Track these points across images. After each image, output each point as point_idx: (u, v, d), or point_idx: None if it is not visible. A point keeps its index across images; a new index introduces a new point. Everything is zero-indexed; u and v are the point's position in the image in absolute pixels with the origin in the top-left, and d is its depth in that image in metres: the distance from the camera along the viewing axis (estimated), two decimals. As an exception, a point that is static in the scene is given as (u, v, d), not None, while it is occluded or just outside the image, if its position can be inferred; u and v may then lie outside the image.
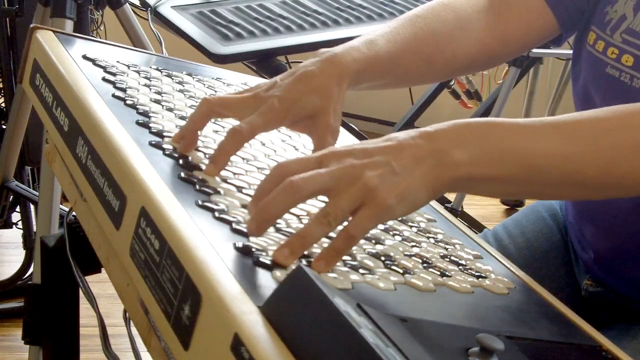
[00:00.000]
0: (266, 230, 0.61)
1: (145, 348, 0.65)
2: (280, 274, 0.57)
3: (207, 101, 0.75)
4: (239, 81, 1.04)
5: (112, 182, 0.67)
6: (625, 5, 0.88)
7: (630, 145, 0.68)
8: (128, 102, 0.80)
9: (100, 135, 0.71)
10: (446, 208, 1.95)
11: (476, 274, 0.73)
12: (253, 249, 0.59)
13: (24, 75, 0.91)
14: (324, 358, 0.45)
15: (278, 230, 0.64)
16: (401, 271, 0.67)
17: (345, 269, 0.63)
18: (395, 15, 1.57)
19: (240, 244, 0.59)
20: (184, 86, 0.93)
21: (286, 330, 0.48)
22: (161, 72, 0.95)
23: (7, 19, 1.90)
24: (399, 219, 0.79)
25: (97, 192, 0.69)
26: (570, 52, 1.00)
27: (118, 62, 0.93)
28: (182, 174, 0.67)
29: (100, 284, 0.94)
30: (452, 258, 0.75)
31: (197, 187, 0.66)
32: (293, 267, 0.58)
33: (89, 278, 0.87)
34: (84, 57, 0.89)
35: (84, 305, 0.90)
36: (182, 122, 0.78)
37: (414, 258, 0.71)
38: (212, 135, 0.80)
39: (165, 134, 0.75)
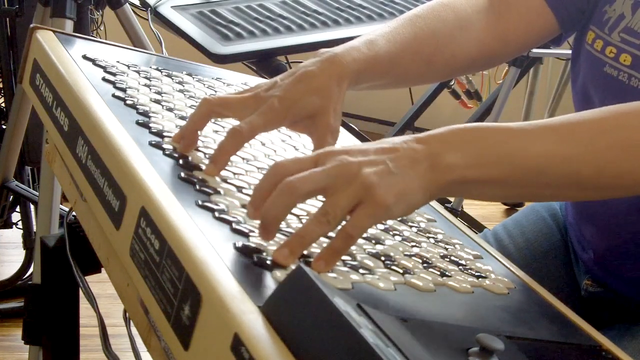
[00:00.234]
0: (275, 233, 0.61)
1: (145, 348, 0.65)
2: (280, 274, 0.57)
3: (207, 101, 0.75)
4: (239, 81, 1.04)
5: (112, 182, 0.67)
6: (624, 5, 0.88)
7: (627, 145, 0.68)
8: (128, 102, 0.80)
9: (100, 135, 0.71)
10: (446, 208, 1.95)
11: (476, 274, 0.73)
12: (253, 249, 0.59)
13: (24, 75, 0.91)
14: (324, 358, 0.45)
15: (279, 230, 0.64)
16: (401, 271, 0.67)
17: (345, 269, 0.63)
18: (395, 15, 1.57)
19: (240, 244, 0.59)
20: (184, 86, 0.93)
21: (286, 330, 0.48)
22: (161, 72, 0.95)
23: (7, 19, 1.90)
24: (399, 219, 0.79)
25: (97, 192, 0.69)
26: (570, 52, 1.00)
27: (118, 62, 0.93)
28: (182, 174, 0.67)
29: (100, 284, 0.94)
30: (452, 258, 0.75)
31: (197, 187, 0.66)
32: (293, 267, 0.58)
33: (89, 278, 0.87)
34: (84, 57, 0.89)
35: (84, 305, 0.90)
36: (182, 122, 0.78)
37: (414, 258, 0.71)
38: (212, 135, 0.80)
39: (165, 134, 0.75)
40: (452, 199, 2.43)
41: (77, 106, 0.77)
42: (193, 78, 0.98)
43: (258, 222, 0.62)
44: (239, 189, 0.70)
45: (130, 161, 0.66)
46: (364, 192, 0.61)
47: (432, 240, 0.78)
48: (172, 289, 0.55)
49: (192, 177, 0.68)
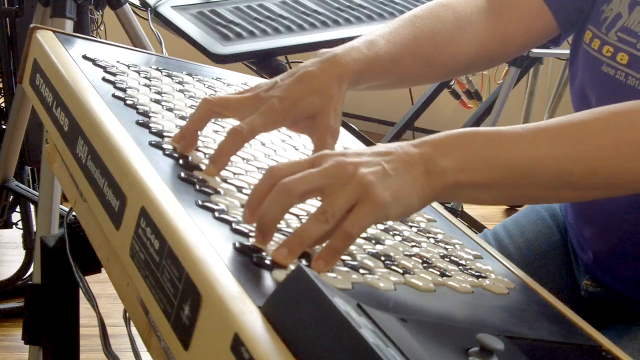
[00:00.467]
0: (272, 236, 0.61)
1: (145, 348, 0.65)
2: (280, 274, 0.57)
3: (207, 101, 0.75)
4: (239, 81, 1.04)
5: (112, 182, 0.67)
6: (621, 4, 0.88)
7: (617, 144, 0.68)
8: (128, 102, 0.80)
9: (100, 135, 0.71)
10: (446, 208, 1.95)
11: (476, 274, 0.73)
12: (253, 249, 0.59)
13: (24, 75, 0.91)
14: (324, 358, 0.45)
15: (278, 230, 0.64)
16: (401, 271, 0.67)
17: (345, 269, 0.63)
18: (395, 15, 1.57)
19: (240, 244, 0.59)
20: (184, 86, 0.93)
21: (286, 330, 0.48)
22: (161, 72, 0.95)
23: (7, 19, 1.90)
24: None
25: (97, 192, 0.69)
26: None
27: (118, 62, 0.93)
28: (182, 174, 0.67)
29: (100, 284, 0.94)
30: (452, 258, 0.75)
31: (197, 187, 0.66)
32: (293, 267, 0.58)
33: (89, 278, 0.87)
34: (84, 57, 0.89)
35: (84, 305, 0.90)
36: (182, 122, 0.78)
37: (414, 258, 0.71)
38: (212, 135, 0.80)
39: (165, 134, 0.75)
40: (452, 199, 2.42)
41: (77, 106, 0.77)
42: (193, 78, 0.98)
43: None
44: (239, 189, 0.70)
45: (130, 161, 0.66)
46: (362, 191, 0.61)
47: (432, 240, 0.78)
48: (172, 289, 0.55)
49: (192, 177, 0.68)
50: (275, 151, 0.83)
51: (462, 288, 0.68)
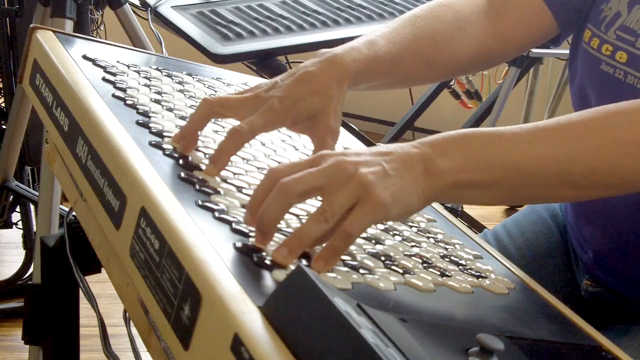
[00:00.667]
0: (272, 237, 0.61)
1: (145, 348, 0.65)
2: (280, 274, 0.57)
3: (208, 101, 0.75)
4: (239, 81, 1.04)
5: (112, 182, 0.67)
6: (620, 3, 0.88)
7: (616, 143, 0.68)
8: (128, 102, 0.80)
9: (100, 135, 0.71)
10: (446, 208, 1.95)
11: (476, 274, 0.73)
12: (253, 249, 0.59)
13: (24, 75, 0.91)
14: (324, 358, 0.45)
15: (278, 230, 0.64)
16: (401, 271, 0.67)
17: (345, 269, 0.63)
18: (395, 15, 1.57)
19: (240, 244, 0.59)
20: (184, 86, 0.93)
21: (286, 330, 0.48)
22: (161, 72, 0.95)
23: (7, 19, 1.90)
24: (399, 219, 0.79)
25: (97, 192, 0.69)
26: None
27: (118, 62, 0.93)
28: (182, 174, 0.67)
29: (100, 284, 0.94)
30: (452, 258, 0.75)
31: (197, 187, 0.66)
32: (293, 267, 0.58)
33: (89, 278, 0.87)
34: (84, 57, 0.89)
35: (84, 305, 0.90)
36: (182, 122, 0.78)
37: (414, 258, 0.71)
38: (212, 135, 0.80)
39: (165, 134, 0.75)
40: (452, 199, 2.42)
41: (77, 106, 0.77)
42: (193, 78, 0.98)
43: None
44: (239, 189, 0.70)
45: (130, 161, 0.66)
46: (362, 190, 0.61)
47: (432, 240, 0.78)
48: (172, 289, 0.55)
49: (192, 177, 0.68)
50: (275, 151, 0.83)
51: (462, 288, 0.68)
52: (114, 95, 0.81)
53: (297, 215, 0.68)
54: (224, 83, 1.00)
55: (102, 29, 1.82)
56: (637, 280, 0.92)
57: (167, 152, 0.71)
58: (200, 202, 0.63)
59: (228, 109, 0.75)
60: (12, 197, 1.99)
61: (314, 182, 0.61)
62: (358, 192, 0.61)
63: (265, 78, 1.22)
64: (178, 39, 1.48)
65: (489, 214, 2.87)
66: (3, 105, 2.00)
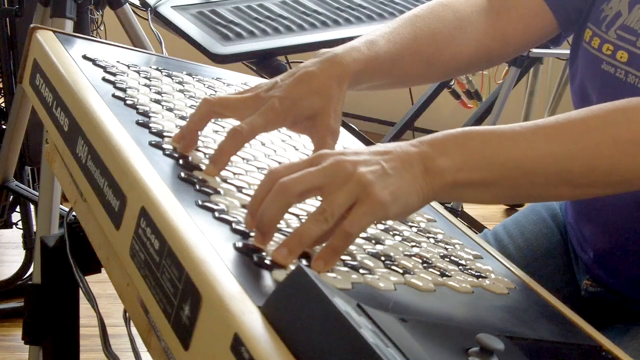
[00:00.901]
0: (272, 236, 0.61)
1: (145, 348, 0.65)
2: (280, 274, 0.57)
3: (208, 101, 0.75)
4: (239, 81, 1.04)
5: (112, 182, 0.67)
6: (621, 2, 0.88)
7: (615, 141, 0.69)
8: (128, 102, 0.80)
9: (100, 135, 0.71)
10: (446, 208, 1.95)
11: (476, 274, 0.73)
12: (253, 249, 0.59)
13: (24, 75, 0.91)
14: (324, 358, 0.45)
15: (278, 230, 0.64)
16: (401, 271, 0.67)
17: (345, 269, 0.63)
18: (395, 15, 1.57)
19: (240, 244, 0.59)
20: (184, 86, 0.93)
21: (286, 330, 0.48)
22: (161, 72, 0.95)
23: (7, 19, 1.90)
24: (399, 219, 0.79)
25: (97, 192, 0.69)
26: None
27: (118, 62, 0.93)
28: (182, 174, 0.67)
29: (100, 284, 0.94)
30: (452, 258, 0.75)
31: (197, 187, 0.66)
32: (293, 267, 0.58)
33: (89, 278, 0.87)
34: (84, 57, 0.89)
35: (84, 305, 0.90)
36: (182, 122, 0.78)
37: (414, 258, 0.71)
38: (212, 135, 0.80)
39: (165, 134, 0.75)
40: (452, 199, 2.42)
41: (77, 106, 0.77)
42: (193, 78, 0.98)
43: None
44: (239, 189, 0.70)
45: (130, 161, 0.66)
46: (361, 190, 0.61)
47: (432, 240, 0.78)
48: (172, 289, 0.55)
49: (192, 177, 0.68)
50: (275, 151, 0.83)
51: (462, 288, 0.68)
52: (114, 95, 0.81)
53: (297, 215, 0.68)
54: (224, 83, 1.00)
55: (102, 29, 1.82)
56: (638, 280, 0.92)
57: (167, 152, 0.71)
58: (200, 202, 0.63)
59: (228, 109, 0.75)
60: (12, 197, 1.99)
61: (313, 181, 0.61)
62: (357, 192, 0.61)
63: (265, 78, 1.22)
64: (178, 39, 1.48)
65: (489, 214, 2.87)
66: (3, 105, 2.00)
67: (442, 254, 0.74)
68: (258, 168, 0.76)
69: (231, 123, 0.80)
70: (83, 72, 0.83)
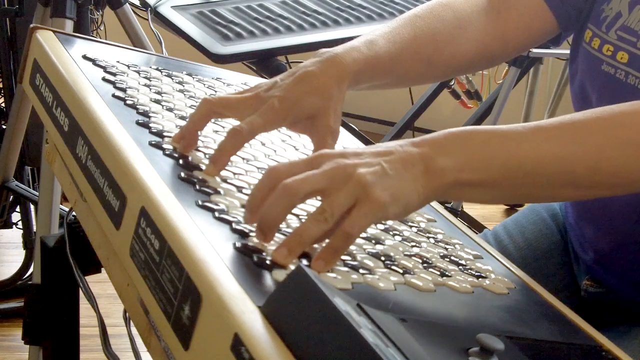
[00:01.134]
0: (273, 236, 0.61)
1: (145, 348, 0.65)
2: (280, 274, 0.57)
3: (208, 101, 0.75)
4: (239, 81, 1.04)
5: (112, 182, 0.67)
6: (621, 3, 0.88)
7: (619, 143, 0.68)
8: (128, 102, 0.80)
9: (100, 135, 0.71)
10: (446, 208, 1.95)
11: (476, 274, 0.73)
12: (253, 249, 0.59)
13: (24, 75, 0.91)
14: (324, 358, 0.45)
15: (278, 230, 0.64)
16: (401, 271, 0.67)
17: (345, 269, 0.63)
18: (395, 15, 1.57)
19: (240, 244, 0.59)
20: (184, 86, 0.93)
21: (286, 330, 0.48)
22: (161, 72, 0.95)
23: (7, 19, 1.90)
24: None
25: (97, 192, 0.69)
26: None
27: (118, 62, 0.93)
28: (182, 174, 0.67)
29: (100, 284, 0.94)
30: (452, 258, 0.75)
31: (197, 187, 0.66)
32: (293, 267, 0.58)
33: (89, 278, 0.87)
34: (84, 57, 0.89)
35: (84, 305, 0.90)
36: (182, 122, 0.78)
37: (414, 258, 0.71)
38: (212, 135, 0.80)
39: (165, 134, 0.75)
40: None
41: (77, 106, 0.77)
42: (193, 78, 0.98)
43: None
44: (239, 189, 0.70)
45: (130, 161, 0.66)
46: (361, 191, 0.61)
47: (432, 240, 0.78)
48: (172, 289, 0.55)
49: (192, 177, 0.68)
50: (275, 151, 0.83)
51: (462, 288, 0.68)
52: (114, 95, 0.81)
53: (296, 215, 0.68)
54: (224, 83, 1.00)
55: (102, 29, 1.82)
56: (638, 280, 0.92)
57: (167, 152, 0.71)
58: (200, 202, 0.63)
59: (228, 109, 0.75)
60: (12, 197, 1.99)
61: (317, 184, 0.61)
62: (357, 192, 0.61)
63: (265, 78, 1.22)
64: (178, 39, 1.48)
65: (489, 214, 2.87)
66: (3, 105, 2.00)
67: (442, 254, 0.74)
68: (258, 168, 0.76)
69: (231, 123, 0.80)
70: (83, 72, 0.83)
